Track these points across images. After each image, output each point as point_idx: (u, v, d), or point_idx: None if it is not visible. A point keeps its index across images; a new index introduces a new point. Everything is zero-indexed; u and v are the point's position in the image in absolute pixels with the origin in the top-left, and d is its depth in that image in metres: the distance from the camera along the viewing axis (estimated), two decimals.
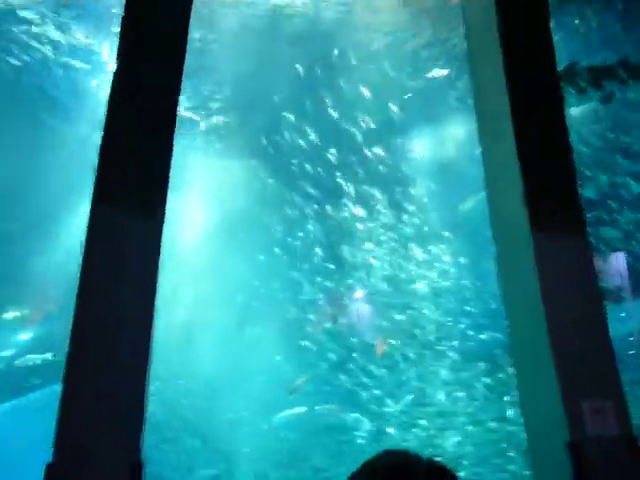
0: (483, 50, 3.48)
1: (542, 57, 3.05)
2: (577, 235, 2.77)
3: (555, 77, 3.03)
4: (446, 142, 13.41)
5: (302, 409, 11.43)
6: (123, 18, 2.96)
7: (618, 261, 16.06)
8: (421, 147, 14.19)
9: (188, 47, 3.11)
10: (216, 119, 12.92)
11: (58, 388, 2.19)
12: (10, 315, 11.27)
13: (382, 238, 13.99)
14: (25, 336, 11.38)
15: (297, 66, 11.33)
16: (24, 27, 10.43)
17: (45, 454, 2.07)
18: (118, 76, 2.83)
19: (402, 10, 10.27)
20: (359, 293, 18.21)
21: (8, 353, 11.07)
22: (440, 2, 10.03)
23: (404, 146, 14.18)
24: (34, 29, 10.45)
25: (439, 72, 11.73)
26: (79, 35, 10.63)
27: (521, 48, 3.06)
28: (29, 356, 10.55)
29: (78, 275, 2.35)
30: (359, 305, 17.61)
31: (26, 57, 10.84)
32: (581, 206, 2.85)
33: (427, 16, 10.44)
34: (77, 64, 11.18)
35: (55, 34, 10.59)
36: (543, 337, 2.59)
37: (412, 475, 1.17)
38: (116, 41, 2.92)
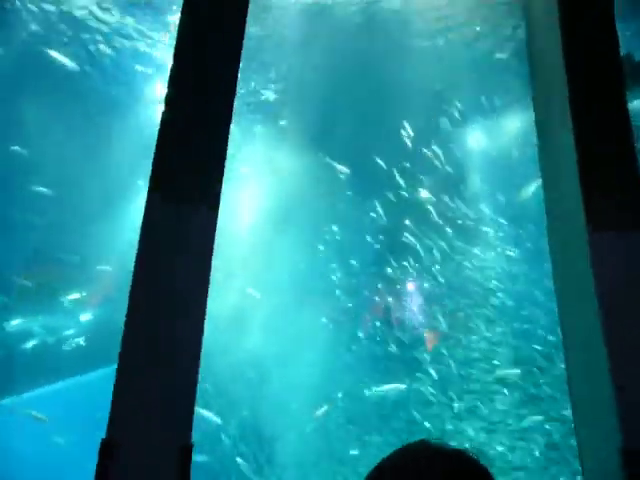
0: (543, 40, 3.37)
1: (604, 47, 2.92)
2: (637, 232, 2.65)
3: (618, 69, 2.89)
4: (504, 134, 13.05)
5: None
6: (182, 11, 3.04)
7: None
8: (479, 138, 13.90)
9: (245, 39, 3.16)
10: (274, 106, 13.07)
11: (111, 371, 2.30)
12: (71, 297, 11.79)
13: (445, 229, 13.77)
14: (85, 317, 11.89)
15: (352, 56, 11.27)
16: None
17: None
18: (176, 66, 2.90)
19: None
20: (412, 285, 18.06)
21: (70, 332, 11.61)
22: None
23: (463, 136, 13.93)
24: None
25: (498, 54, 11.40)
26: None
27: (582, 38, 2.94)
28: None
29: (134, 261, 2.45)
30: (414, 297, 17.46)
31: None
32: None
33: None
34: (139, 68, 11.59)
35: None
36: (597, 339, 2.51)
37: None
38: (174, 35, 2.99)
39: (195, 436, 2.28)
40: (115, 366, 2.33)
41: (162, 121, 2.78)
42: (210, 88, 2.88)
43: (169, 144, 2.75)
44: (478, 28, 10.97)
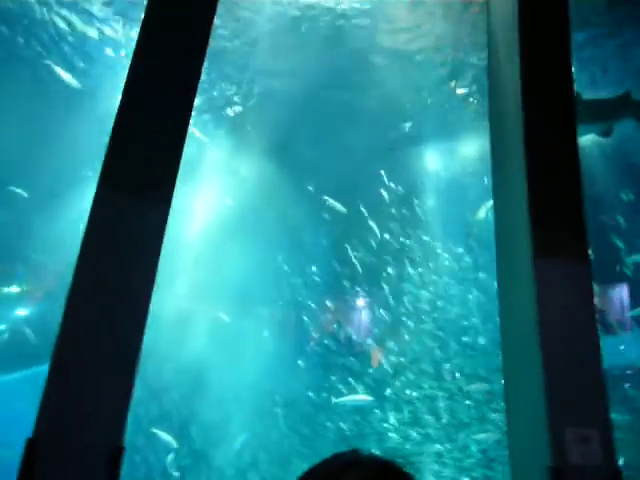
0: (503, 74, 3.49)
1: (560, 86, 3.05)
2: (579, 263, 2.76)
3: (571, 108, 3.02)
4: (458, 159, 13.38)
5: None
6: (147, 4, 2.98)
7: (620, 292, 15.98)
8: (434, 161, 14.21)
9: (211, 41, 3.14)
10: (234, 112, 12.98)
11: (43, 369, 2.20)
12: (11, 290, 11.32)
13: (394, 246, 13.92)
14: (22, 312, 11.41)
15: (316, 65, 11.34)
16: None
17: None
18: (136, 61, 2.84)
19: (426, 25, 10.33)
20: (362, 301, 18.19)
21: (2, 327, 11.12)
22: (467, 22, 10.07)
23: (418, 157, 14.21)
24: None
25: (459, 91, 11.76)
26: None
27: (540, 74, 3.06)
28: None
29: (77, 256, 2.36)
30: (362, 311, 17.59)
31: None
32: (586, 235, 2.84)
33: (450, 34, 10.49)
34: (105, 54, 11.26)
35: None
36: (536, 362, 2.58)
37: None
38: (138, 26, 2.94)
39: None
40: (44, 366, 2.24)
41: (119, 114, 2.71)
42: (171, 85, 2.84)
43: (124, 137, 2.69)
44: (443, 54, 11.25)
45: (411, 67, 11.43)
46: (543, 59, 3.16)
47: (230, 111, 12.84)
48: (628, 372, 12.60)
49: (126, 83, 2.80)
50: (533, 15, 3.24)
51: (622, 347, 13.57)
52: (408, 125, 12.79)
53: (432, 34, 10.62)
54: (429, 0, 9.79)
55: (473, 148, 13.04)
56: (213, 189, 13.33)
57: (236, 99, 12.65)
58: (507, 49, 3.36)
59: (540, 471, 2.39)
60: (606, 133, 10.49)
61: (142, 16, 3.00)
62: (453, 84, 11.63)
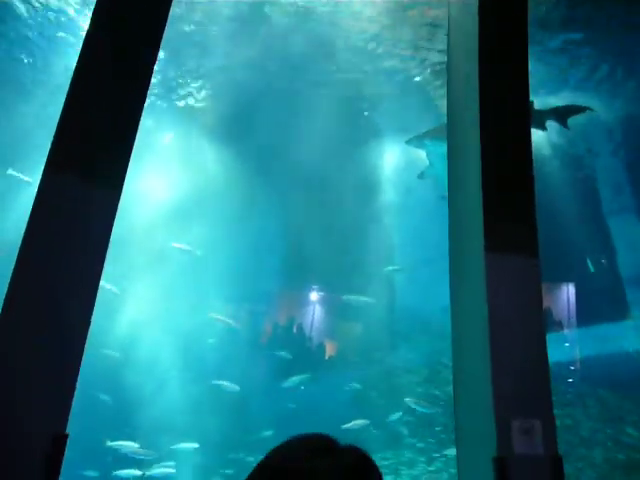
0: (461, 71, 3.54)
1: (515, 80, 3.12)
2: (529, 259, 2.84)
3: (525, 102, 3.10)
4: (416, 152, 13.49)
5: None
6: None
7: (568, 290, 16.58)
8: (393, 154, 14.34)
9: (172, 24, 3.05)
10: (194, 100, 12.77)
11: None
12: None
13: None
14: None
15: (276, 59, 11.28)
16: None
17: None
18: (90, 38, 2.74)
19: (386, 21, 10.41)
20: (315, 293, 18.24)
21: None
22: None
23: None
24: None
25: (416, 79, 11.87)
26: None
27: (497, 70, 3.12)
28: None
29: (21, 241, 2.26)
30: (315, 305, 17.63)
31: None
32: (536, 231, 2.91)
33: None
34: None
35: None
36: (484, 354, 2.64)
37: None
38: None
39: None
40: None
41: (69, 94, 2.60)
42: (125, 67, 2.75)
43: (75, 119, 2.59)
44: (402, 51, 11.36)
45: (371, 58, 11.50)
46: (501, 57, 3.23)
47: (187, 99, 12.62)
48: (572, 368, 13.15)
49: (78, 62, 2.69)
50: (492, 17, 3.30)
51: (567, 344, 14.13)
52: (366, 114, 12.84)
53: (393, 30, 10.72)
54: None
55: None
56: (165, 176, 13.10)
57: (193, 85, 12.45)
58: (466, 46, 3.41)
59: (486, 462, 2.45)
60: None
61: None
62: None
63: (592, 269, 14.56)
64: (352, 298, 13.46)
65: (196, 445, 10.65)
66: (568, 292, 16.51)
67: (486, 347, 2.65)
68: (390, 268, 13.83)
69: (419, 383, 12.45)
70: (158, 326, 11.69)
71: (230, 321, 12.07)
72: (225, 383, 11.27)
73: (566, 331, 15.22)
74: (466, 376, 3.01)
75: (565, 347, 13.87)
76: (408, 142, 12.41)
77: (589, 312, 14.81)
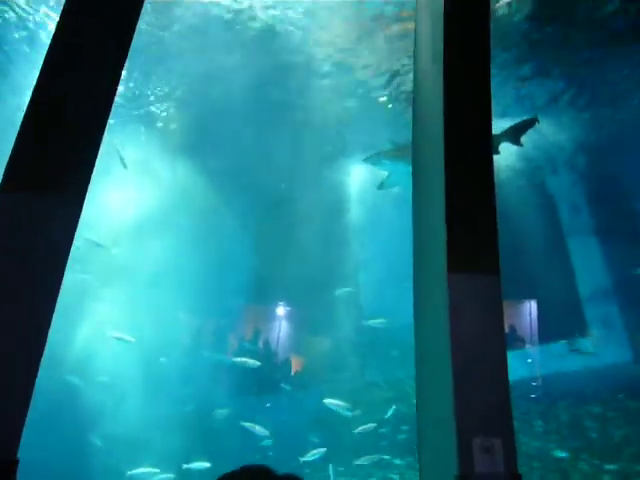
0: (427, 95, 3.61)
1: (479, 96, 3.19)
2: (490, 277, 2.88)
3: (488, 127, 3.17)
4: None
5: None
6: None
7: (530, 308, 16.93)
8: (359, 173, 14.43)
9: (140, 37, 3.02)
10: (160, 111, 12.66)
11: None
12: None
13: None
14: None
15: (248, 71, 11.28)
16: None
17: None
18: (56, 42, 2.69)
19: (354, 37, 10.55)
20: (281, 310, 18.13)
21: None
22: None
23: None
24: None
25: (381, 99, 12.05)
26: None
27: (461, 94, 3.18)
28: None
29: None
30: (281, 321, 17.51)
31: None
32: (497, 249, 2.96)
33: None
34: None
35: None
36: (445, 373, 2.66)
37: None
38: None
39: None
40: None
41: (32, 99, 2.55)
42: (90, 74, 2.70)
43: (37, 126, 2.53)
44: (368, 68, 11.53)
45: (340, 75, 11.63)
46: (465, 76, 3.30)
47: (153, 109, 12.50)
48: (533, 384, 13.40)
49: (42, 69, 2.64)
50: (457, 29, 3.37)
51: (529, 360, 14.40)
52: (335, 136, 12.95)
53: (362, 45, 10.89)
54: (360, 11, 9.97)
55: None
56: (129, 188, 12.91)
57: (159, 97, 12.36)
58: (432, 60, 3.48)
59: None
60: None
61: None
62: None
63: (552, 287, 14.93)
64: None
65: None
66: (530, 309, 16.87)
67: (448, 365, 2.67)
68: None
69: (388, 400, 12.48)
70: (120, 342, 11.42)
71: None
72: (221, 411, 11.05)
73: (527, 348, 15.50)
74: (428, 394, 3.03)
75: (527, 364, 14.12)
76: (366, 160, 12.53)
77: (549, 329, 15.17)
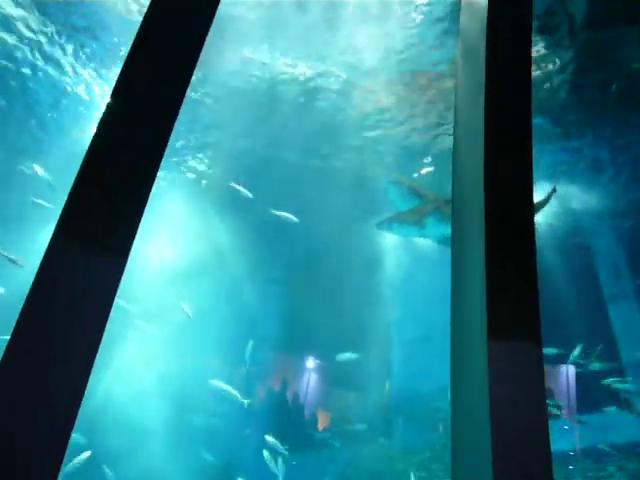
0: (466, 153, 3.63)
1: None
2: (531, 346, 2.80)
3: (530, 191, 3.15)
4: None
5: None
6: (128, 55, 3.00)
7: (569, 376, 16.28)
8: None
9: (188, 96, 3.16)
10: (201, 167, 13.04)
11: None
12: None
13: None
14: None
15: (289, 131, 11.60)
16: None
17: None
18: (113, 100, 2.82)
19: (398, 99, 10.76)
20: (311, 362, 17.88)
21: None
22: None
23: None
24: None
25: (426, 170, 12.24)
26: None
27: (502, 150, 3.19)
28: None
29: (23, 304, 2.24)
30: (311, 373, 17.25)
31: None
32: (539, 319, 2.89)
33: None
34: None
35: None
36: (484, 441, 2.56)
37: None
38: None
39: None
40: None
41: (86, 158, 2.66)
42: (143, 130, 2.82)
43: (89, 180, 2.63)
44: (409, 127, 11.73)
45: (377, 139, 11.84)
46: (505, 140, 3.30)
47: (194, 168, 12.92)
48: (571, 453, 12.77)
49: (97, 128, 2.76)
50: (497, 96, 3.40)
51: (566, 427, 13.78)
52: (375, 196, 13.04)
53: (402, 109, 11.11)
54: (398, 79, 10.23)
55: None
56: (169, 242, 13.21)
57: (200, 156, 12.79)
58: (472, 124, 3.51)
59: None
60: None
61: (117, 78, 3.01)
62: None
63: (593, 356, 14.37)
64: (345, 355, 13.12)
65: None
66: (568, 378, 16.22)
67: (487, 433, 2.57)
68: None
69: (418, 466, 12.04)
70: (153, 390, 11.42)
71: (234, 392, 11.68)
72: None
73: (567, 418, 14.84)
74: (466, 462, 2.91)
75: (565, 434, 13.50)
76: (378, 225, 12.51)
77: (590, 401, 14.52)
